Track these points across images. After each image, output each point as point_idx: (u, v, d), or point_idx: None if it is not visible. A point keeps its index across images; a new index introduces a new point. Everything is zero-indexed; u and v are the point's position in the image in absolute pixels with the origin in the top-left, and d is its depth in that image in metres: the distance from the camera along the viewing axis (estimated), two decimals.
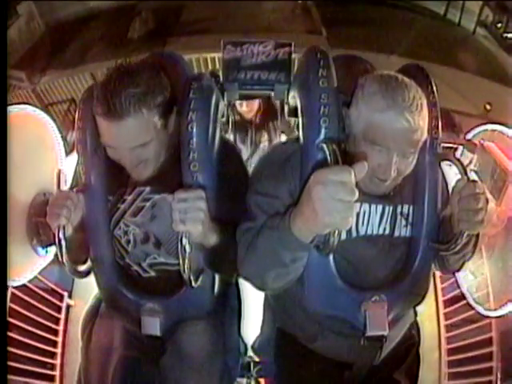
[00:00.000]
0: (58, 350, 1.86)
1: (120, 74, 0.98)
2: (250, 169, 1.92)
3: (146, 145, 1.02)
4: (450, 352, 1.88)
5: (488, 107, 3.73)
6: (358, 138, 0.96)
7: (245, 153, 2.07)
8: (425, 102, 0.94)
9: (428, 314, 1.90)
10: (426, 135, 0.95)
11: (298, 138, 1.05)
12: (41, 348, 1.79)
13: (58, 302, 1.91)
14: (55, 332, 1.88)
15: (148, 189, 1.12)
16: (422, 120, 0.93)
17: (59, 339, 1.88)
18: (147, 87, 0.98)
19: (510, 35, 5.80)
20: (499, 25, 5.97)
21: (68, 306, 1.93)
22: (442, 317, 1.94)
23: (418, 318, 1.30)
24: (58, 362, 1.85)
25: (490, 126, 1.54)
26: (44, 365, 1.80)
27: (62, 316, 1.91)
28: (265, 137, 2.08)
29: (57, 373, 1.83)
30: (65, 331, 1.90)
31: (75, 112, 1.13)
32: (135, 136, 0.99)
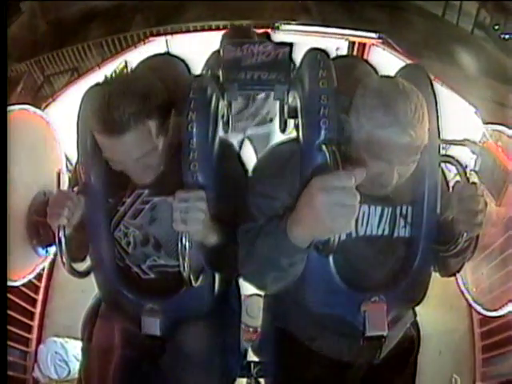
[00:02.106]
0: (40, 297, 1.72)
1: (114, 89, 0.96)
2: (243, 115, 1.88)
3: (150, 153, 1.02)
4: None
5: None
6: (359, 146, 0.94)
7: (241, 102, 2.02)
8: (425, 108, 0.92)
9: None
10: (426, 141, 0.93)
11: (297, 139, 1.05)
12: (21, 291, 1.61)
13: None
14: (39, 276, 1.69)
15: (147, 191, 1.12)
16: (424, 129, 0.91)
17: (42, 284, 1.74)
18: (143, 98, 0.97)
19: (507, 36, 5.83)
20: (497, 26, 6.02)
21: None
22: None
23: (418, 318, 1.30)
24: (37, 310, 1.69)
25: (490, 126, 1.54)
26: (23, 311, 1.63)
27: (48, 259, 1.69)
28: None
29: (35, 323, 1.68)
30: (49, 276, 1.76)
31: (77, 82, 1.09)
32: (138, 147, 0.99)
